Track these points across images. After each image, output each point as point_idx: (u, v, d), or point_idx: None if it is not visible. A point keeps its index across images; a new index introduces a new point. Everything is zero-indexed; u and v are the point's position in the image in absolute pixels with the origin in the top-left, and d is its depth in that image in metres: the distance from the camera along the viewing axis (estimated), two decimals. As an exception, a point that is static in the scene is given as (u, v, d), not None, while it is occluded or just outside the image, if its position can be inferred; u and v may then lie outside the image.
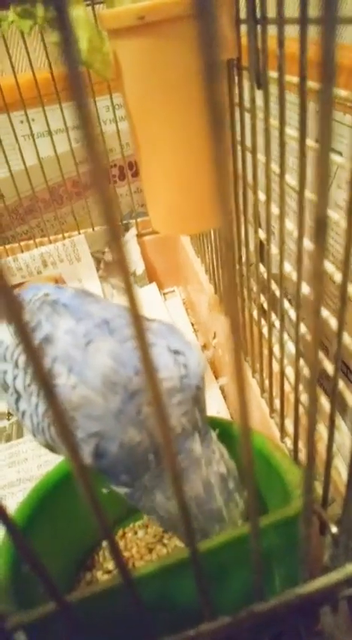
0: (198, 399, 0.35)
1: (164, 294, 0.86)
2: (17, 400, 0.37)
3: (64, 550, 0.42)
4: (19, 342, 0.15)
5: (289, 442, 0.45)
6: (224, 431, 0.40)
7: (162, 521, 0.34)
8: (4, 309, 0.14)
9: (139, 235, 0.85)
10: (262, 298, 0.47)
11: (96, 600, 0.28)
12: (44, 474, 0.55)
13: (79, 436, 0.31)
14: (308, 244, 0.34)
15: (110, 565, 0.43)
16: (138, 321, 0.16)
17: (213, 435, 0.36)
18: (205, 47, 0.12)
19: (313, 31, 0.28)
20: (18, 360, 0.37)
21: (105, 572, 0.42)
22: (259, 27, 0.36)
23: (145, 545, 0.43)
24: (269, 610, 0.27)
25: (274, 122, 0.37)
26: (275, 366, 0.46)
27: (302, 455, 0.43)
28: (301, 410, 0.41)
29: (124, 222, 0.84)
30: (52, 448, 0.36)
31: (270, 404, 0.49)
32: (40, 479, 0.41)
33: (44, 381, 0.16)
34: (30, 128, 0.75)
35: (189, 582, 0.33)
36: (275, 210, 0.39)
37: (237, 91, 0.42)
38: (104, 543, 0.45)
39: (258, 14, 0.35)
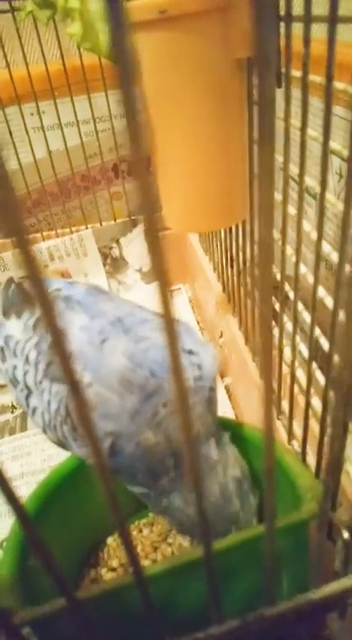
0: (211, 401, 0.35)
1: (170, 291, 0.86)
2: (28, 396, 0.36)
3: (69, 546, 0.42)
4: (47, 335, 0.14)
5: (296, 445, 0.45)
6: (234, 433, 0.39)
7: (177, 525, 0.34)
8: (37, 300, 0.14)
9: (147, 232, 0.84)
10: (273, 300, 0.47)
11: (106, 598, 0.28)
12: (50, 469, 0.55)
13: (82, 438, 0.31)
14: (327, 248, 0.34)
15: (114, 563, 0.42)
16: (171, 329, 0.15)
17: (226, 437, 0.35)
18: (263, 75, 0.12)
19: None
20: (29, 356, 0.36)
21: (109, 569, 0.42)
22: (282, 25, 0.36)
23: (150, 544, 0.43)
24: (278, 614, 0.27)
25: (294, 122, 0.36)
26: (284, 368, 0.46)
27: (310, 458, 0.43)
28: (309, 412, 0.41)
29: (132, 218, 0.84)
30: (63, 445, 0.36)
31: (278, 406, 0.49)
32: (46, 475, 0.41)
33: (71, 380, 0.16)
34: (40, 120, 0.75)
35: (196, 583, 0.32)
36: (291, 211, 0.39)
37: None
38: (109, 540, 0.45)
39: (283, 11, 0.35)
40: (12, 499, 0.18)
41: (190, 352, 0.34)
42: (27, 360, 0.36)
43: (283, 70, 0.38)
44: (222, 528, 0.32)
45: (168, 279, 0.15)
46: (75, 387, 0.16)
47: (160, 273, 0.15)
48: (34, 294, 0.14)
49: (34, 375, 0.35)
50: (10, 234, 0.14)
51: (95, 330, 0.34)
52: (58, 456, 0.57)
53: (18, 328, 0.38)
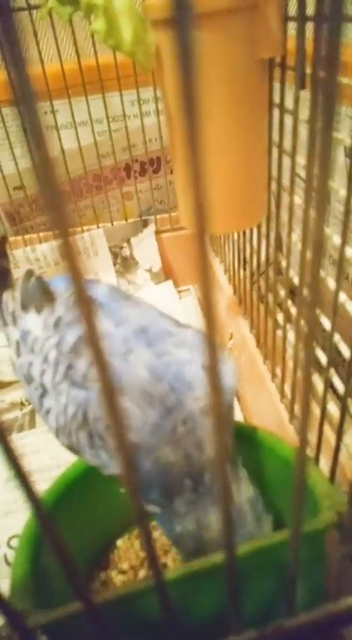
0: (229, 420, 0.34)
1: (179, 292, 0.85)
2: (42, 395, 0.35)
3: (78, 548, 0.41)
4: (85, 337, 0.14)
5: (309, 450, 0.45)
6: (248, 437, 0.39)
7: (187, 549, 0.33)
8: (78, 302, 0.14)
9: (158, 232, 0.84)
10: (289, 302, 0.47)
11: (121, 602, 0.27)
12: (58, 467, 0.55)
13: (112, 445, 0.31)
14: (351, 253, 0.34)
15: (125, 565, 0.42)
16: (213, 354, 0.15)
17: (239, 460, 0.35)
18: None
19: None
20: (48, 355, 0.35)
21: (120, 572, 0.42)
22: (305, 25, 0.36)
23: (160, 547, 0.42)
24: (297, 626, 0.26)
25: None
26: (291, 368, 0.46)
27: (323, 463, 0.42)
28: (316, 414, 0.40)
29: (143, 218, 0.83)
30: (75, 451, 0.35)
31: (291, 410, 0.48)
32: (59, 475, 0.40)
33: (107, 388, 0.15)
34: (55, 119, 0.75)
35: (212, 590, 0.32)
36: (311, 214, 0.38)
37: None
38: (118, 543, 0.44)
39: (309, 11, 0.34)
40: (32, 497, 0.17)
41: None
42: (46, 359, 0.35)
43: (308, 71, 0.37)
44: None
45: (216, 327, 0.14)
46: (109, 396, 0.15)
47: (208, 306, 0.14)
48: (74, 293, 0.14)
49: (52, 375, 0.34)
50: (53, 226, 0.13)
51: (119, 338, 0.33)
52: (67, 455, 0.57)
53: (37, 324, 0.37)
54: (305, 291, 0.42)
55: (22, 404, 0.65)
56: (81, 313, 0.14)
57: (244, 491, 0.33)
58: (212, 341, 0.15)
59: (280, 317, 0.48)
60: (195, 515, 0.32)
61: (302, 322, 0.43)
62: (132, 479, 0.18)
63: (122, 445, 0.17)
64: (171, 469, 0.31)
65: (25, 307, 0.38)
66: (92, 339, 0.14)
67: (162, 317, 0.37)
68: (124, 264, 0.84)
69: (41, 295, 0.38)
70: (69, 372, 0.33)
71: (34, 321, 0.37)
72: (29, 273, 0.40)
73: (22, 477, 0.16)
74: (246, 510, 0.33)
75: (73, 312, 0.35)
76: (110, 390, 0.15)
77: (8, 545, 0.49)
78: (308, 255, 0.40)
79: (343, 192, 0.33)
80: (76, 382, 0.33)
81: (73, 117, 0.74)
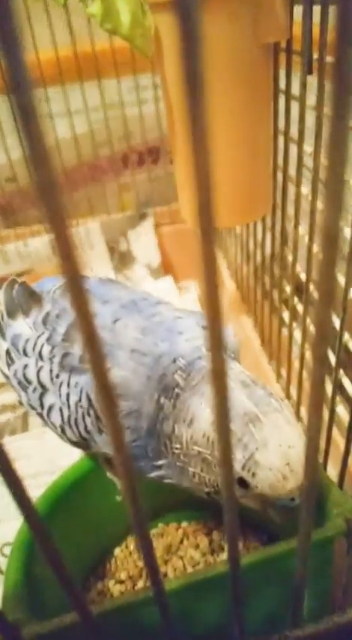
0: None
1: (179, 288, 0.83)
2: (42, 395, 0.35)
3: (74, 557, 0.40)
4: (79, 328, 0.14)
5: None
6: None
7: (198, 462, 0.30)
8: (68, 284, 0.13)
9: (156, 225, 0.82)
10: (296, 299, 0.45)
11: (119, 613, 0.26)
12: (51, 471, 0.53)
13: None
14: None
15: (123, 575, 0.40)
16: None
17: (237, 363, 0.33)
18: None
19: None
20: (42, 351, 0.35)
21: (117, 581, 0.40)
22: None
23: (160, 556, 0.41)
24: (303, 637, 0.25)
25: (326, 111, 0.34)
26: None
27: (331, 469, 0.41)
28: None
29: (142, 211, 0.81)
30: (85, 442, 0.34)
31: (297, 411, 0.46)
32: (53, 480, 0.39)
33: (99, 368, 0.14)
34: (48, 107, 0.72)
35: (214, 600, 0.30)
36: (319, 205, 0.36)
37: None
38: (116, 551, 0.42)
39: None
40: (24, 505, 0.16)
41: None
42: (40, 356, 0.35)
43: (315, 56, 0.35)
44: (243, 433, 0.28)
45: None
46: (102, 377, 0.14)
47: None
48: (66, 283, 0.13)
49: (49, 370, 0.34)
50: (47, 218, 0.12)
51: (107, 314, 0.34)
52: (60, 459, 0.55)
53: (27, 326, 0.37)
54: (312, 288, 0.40)
55: (14, 407, 0.63)
56: (71, 295, 0.13)
57: (234, 377, 0.30)
58: (217, 333, 0.13)
59: (286, 315, 0.46)
60: (196, 401, 0.30)
61: (308, 320, 0.41)
62: (132, 481, 0.16)
63: (117, 442, 0.16)
64: (162, 407, 0.31)
65: (11, 315, 0.38)
66: (84, 323, 0.14)
67: (153, 296, 0.38)
68: (121, 259, 0.81)
69: (27, 299, 0.38)
70: (65, 362, 0.34)
71: (22, 325, 0.37)
72: (12, 282, 0.41)
73: (13, 482, 0.16)
74: (235, 388, 0.29)
75: (60, 304, 0.36)
76: (106, 383, 0.15)
77: (1, 552, 0.47)
78: (315, 248, 0.38)
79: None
80: (74, 368, 0.33)
81: (67, 104, 0.71)
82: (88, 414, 0.33)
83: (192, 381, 0.30)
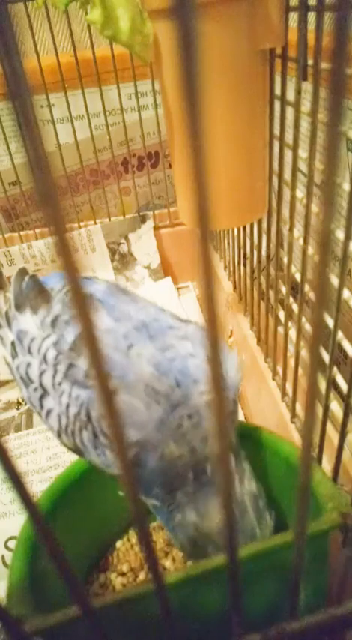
0: (233, 413, 0.34)
1: (178, 288, 0.84)
2: (42, 397, 0.35)
3: (77, 550, 0.41)
4: (83, 339, 0.13)
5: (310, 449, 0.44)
6: (249, 436, 0.38)
7: (186, 544, 0.33)
8: (73, 297, 0.13)
9: (156, 228, 0.83)
10: (291, 300, 0.46)
11: (121, 606, 0.27)
12: (55, 467, 0.54)
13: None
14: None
15: (124, 567, 0.41)
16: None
17: (243, 454, 0.34)
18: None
19: None
20: (47, 355, 0.34)
21: (119, 574, 0.41)
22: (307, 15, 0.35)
23: (160, 549, 0.42)
24: (300, 629, 0.26)
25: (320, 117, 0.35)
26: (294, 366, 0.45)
27: (326, 463, 0.42)
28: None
29: (141, 213, 0.82)
30: (78, 451, 0.34)
31: (292, 409, 0.47)
32: (57, 476, 0.40)
33: (104, 387, 0.15)
34: (51, 113, 0.73)
35: (213, 593, 0.31)
36: (313, 209, 0.38)
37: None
38: (118, 544, 0.44)
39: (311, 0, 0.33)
40: (27, 500, 0.17)
41: None
42: (44, 359, 0.34)
43: (310, 62, 0.36)
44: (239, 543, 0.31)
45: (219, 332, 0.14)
46: (107, 395, 0.15)
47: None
48: (70, 290, 0.13)
49: (52, 375, 0.34)
50: (48, 223, 0.13)
51: (120, 334, 0.33)
52: (64, 455, 0.56)
53: (34, 324, 0.36)
54: (307, 288, 0.41)
55: (18, 403, 0.64)
56: (77, 311, 0.13)
57: (246, 485, 0.32)
58: (214, 337, 0.14)
59: (281, 314, 0.47)
60: (195, 505, 0.31)
61: (303, 319, 0.42)
62: (132, 480, 0.17)
63: (120, 445, 0.17)
64: (175, 463, 0.31)
65: (19, 307, 0.38)
66: (89, 338, 0.14)
67: (163, 312, 0.37)
68: (122, 260, 0.83)
69: (36, 295, 0.37)
70: (70, 372, 0.33)
71: (29, 321, 0.37)
72: (22, 272, 0.40)
73: (15, 478, 0.16)
74: (248, 504, 0.32)
75: (71, 309, 0.35)
76: (107, 389, 0.15)
77: (6, 546, 0.48)
78: (310, 250, 0.39)
79: (346, 187, 0.32)
80: (77, 381, 0.33)
81: (69, 111, 0.73)
82: (85, 429, 0.33)
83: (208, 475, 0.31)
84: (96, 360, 0.14)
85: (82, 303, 0.13)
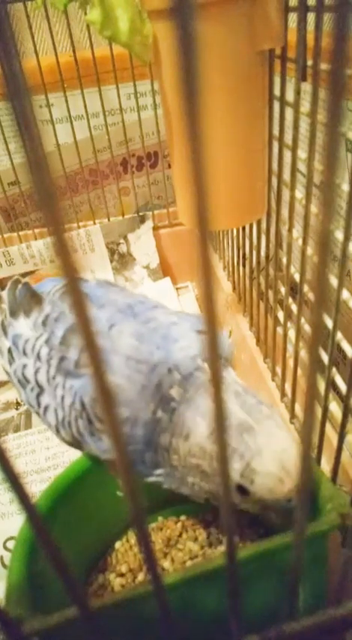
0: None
1: (177, 288, 0.84)
2: (39, 395, 0.36)
3: (76, 551, 0.41)
4: (79, 332, 0.14)
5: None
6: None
7: (187, 482, 0.32)
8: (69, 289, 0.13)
9: (155, 228, 0.83)
10: (290, 300, 0.46)
11: (119, 607, 0.27)
12: (54, 467, 0.54)
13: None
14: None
15: (123, 568, 0.41)
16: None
17: (231, 370, 0.34)
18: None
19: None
20: (40, 353, 0.36)
21: (118, 574, 0.41)
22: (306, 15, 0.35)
23: (159, 550, 0.42)
24: (299, 630, 0.26)
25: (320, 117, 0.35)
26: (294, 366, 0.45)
27: (325, 463, 0.42)
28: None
29: (141, 213, 0.82)
30: (77, 443, 0.35)
31: (291, 409, 0.47)
32: (55, 476, 0.40)
33: (98, 374, 0.15)
34: (50, 113, 0.73)
35: (211, 594, 0.31)
36: (312, 209, 0.38)
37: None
38: (117, 545, 0.44)
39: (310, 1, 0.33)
40: (25, 501, 0.17)
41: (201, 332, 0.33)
42: (38, 357, 0.36)
43: (309, 63, 0.36)
44: (237, 442, 0.29)
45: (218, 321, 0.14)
46: (101, 381, 0.15)
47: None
48: (66, 285, 0.13)
49: (46, 371, 0.35)
50: (46, 223, 0.13)
51: (103, 319, 0.34)
52: (63, 455, 0.56)
53: (27, 327, 0.38)
54: (306, 289, 0.41)
55: (17, 404, 0.64)
56: (72, 302, 0.13)
57: (228, 387, 0.31)
58: (214, 337, 0.14)
59: (280, 314, 0.47)
60: (191, 412, 0.31)
61: (302, 320, 0.42)
62: (131, 478, 0.17)
63: (114, 429, 0.17)
64: (159, 418, 0.31)
65: (14, 314, 0.39)
66: (84, 326, 0.14)
67: (151, 299, 0.38)
68: (121, 260, 0.83)
69: (29, 300, 0.39)
70: (62, 365, 0.34)
71: (23, 325, 0.38)
72: (16, 282, 0.42)
73: (13, 479, 0.16)
74: (229, 400, 0.30)
75: (59, 306, 0.36)
76: (103, 380, 0.15)
77: (4, 547, 0.48)
78: (309, 250, 0.39)
79: (346, 187, 0.32)
80: (70, 372, 0.34)
81: (68, 110, 0.73)
82: (81, 417, 0.33)
83: (186, 393, 0.31)
84: (89, 341, 0.14)
85: (76, 294, 0.13)
